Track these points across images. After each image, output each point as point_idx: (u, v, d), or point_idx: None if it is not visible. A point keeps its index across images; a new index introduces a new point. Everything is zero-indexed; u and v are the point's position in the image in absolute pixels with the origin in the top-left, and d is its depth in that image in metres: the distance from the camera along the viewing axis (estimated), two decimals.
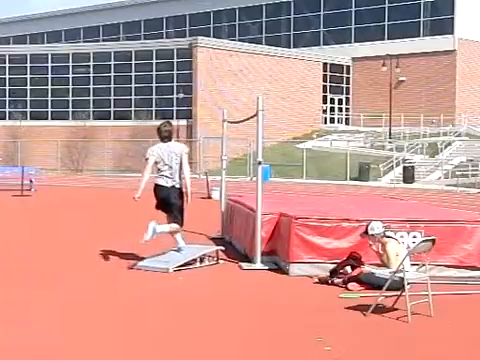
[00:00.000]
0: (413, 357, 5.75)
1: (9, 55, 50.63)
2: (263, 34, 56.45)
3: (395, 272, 7.18)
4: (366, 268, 8.59)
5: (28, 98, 49.99)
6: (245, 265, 9.86)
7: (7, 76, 50.13)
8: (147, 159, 9.92)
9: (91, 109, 48.72)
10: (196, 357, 5.69)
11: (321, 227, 9.19)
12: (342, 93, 54.45)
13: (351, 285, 8.34)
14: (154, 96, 47.97)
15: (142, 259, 10.01)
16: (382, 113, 48.57)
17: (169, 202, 9.83)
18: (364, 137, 47.38)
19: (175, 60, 47.42)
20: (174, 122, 39.61)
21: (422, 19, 50.78)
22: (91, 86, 49.25)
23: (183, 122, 45.22)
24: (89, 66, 49.28)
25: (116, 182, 34.25)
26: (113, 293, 8.06)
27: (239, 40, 53.49)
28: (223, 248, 10.65)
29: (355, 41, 53.35)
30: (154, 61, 47.94)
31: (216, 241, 12.33)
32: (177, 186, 9.83)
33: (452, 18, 49.69)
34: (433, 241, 7.17)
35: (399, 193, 26.00)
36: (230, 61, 47.72)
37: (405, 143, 41.55)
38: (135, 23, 61.91)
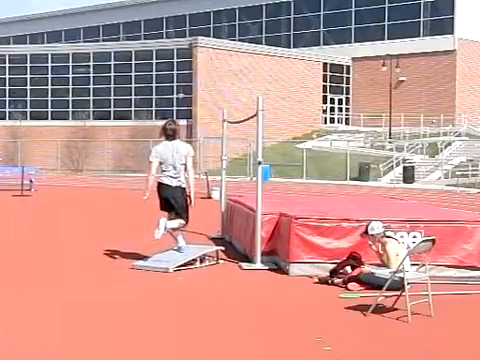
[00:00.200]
0: (413, 357, 5.76)
1: (9, 55, 50.63)
2: (263, 34, 56.45)
3: (395, 272, 7.18)
4: (366, 268, 8.59)
5: (28, 98, 49.99)
6: (245, 265, 9.86)
7: (7, 76, 50.13)
8: (151, 162, 9.89)
9: (91, 109, 48.72)
10: (196, 357, 5.69)
11: (321, 227, 9.20)
12: (342, 93, 54.45)
13: (351, 285, 8.34)
14: (154, 96, 47.98)
15: (142, 259, 10.01)
16: (382, 113, 48.58)
17: (174, 201, 9.80)
18: (364, 137, 47.38)
19: (175, 60, 47.42)
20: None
21: (422, 19, 50.78)
22: (91, 86, 49.25)
23: (183, 122, 45.18)
24: (89, 66, 49.28)
25: (116, 182, 34.25)
26: (113, 293, 8.06)
27: (239, 40, 53.49)
28: (223, 248, 10.65)
29: (355, 41, 53.35)
30: (154, 61, 47.94)
31: (216, 241, 12.33)
32: (182, 186, 9.84)
33: (452, 18, 49.69)
34: (433, 241, 7.17)
35: (399, 193, 26.00)
36: (230, 61, 47.72)
37: (405, 143, 41.56)
38: (135, 23, 61.91)
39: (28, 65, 50.07)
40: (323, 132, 50.10)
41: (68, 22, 64.68)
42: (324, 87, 53.18)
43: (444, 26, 49.70)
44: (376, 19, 52.09)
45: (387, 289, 7.11)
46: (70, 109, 49.24)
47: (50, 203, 22.03)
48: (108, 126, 47.00)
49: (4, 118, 49.58)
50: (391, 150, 41.58)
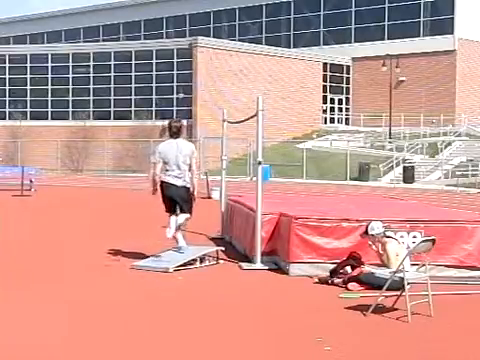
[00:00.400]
0: (413, 357, 5.76)
1: (9, 55, 50.63)
2: (263, 34, 56.45)
3: (395, 272, 7.18)
4: (366, 268, 8.59)
5: (28, 98, 50.00)
6: (245, 265, 9.86)
7: (7, 76, 50.14)
8: (155, 163, 9.90)
9: (91, 109, 48.73)
10: (196, 357, 5.69)
11: (321, 227, 9.19)
12: (342, 93, 54.45)
13: (351, 285, 8.34)
14: (154, 96, 47.98)
15: (142, 259, 10.01)
16: (382, 113, 48.58)
17: (179, 198, 9.86)
18: (364, 137, 47.38)
19: (175, 60, 47.42)
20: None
21: (422, 19, 50.78)
22: (91, 86, 49.25)
23: (183, 122, 45.23)
24: (89, 66, 49.28)
25: (116, 182, 34.26)
26: (113, 293, 8.06)
27: (239, 40, 53.50)
28: (223, 248, 10.66)
29: (355, 41, 53.35)
30: (154, 61, 47.95)
31: (216, 241, 12.33)
32: (187, 186, 9.88)
33: (452, 18, 49.69)
34: (433, 241, 7.17)
35: (399, 193, 26.01)
36: (230, 61, 47.72)
37: (405, 143, 41.56)
38: (135, 23, 61.91)
39: (28, 65, 50.08)
40: (323, 132, 50.10)
41: (68, 22, 64.69)
42: (324, 87, 53.18)
43: (444, 26, 49.70)
44: (376, 19, 52.09)
45: (387, 289, 7.11)
46: (70, 109, 49.25)
47: (50, 203, 22.03)
48: (108, 126, 47.00)
49: (4, 118, 49.58)
50: (391, 150, 41.59)
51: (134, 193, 27.71)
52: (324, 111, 53.41)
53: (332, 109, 54.10)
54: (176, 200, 9.87)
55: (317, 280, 8.79)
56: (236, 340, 6.17)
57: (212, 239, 12.67)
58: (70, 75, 49.41)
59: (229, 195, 13.61)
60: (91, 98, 49.22)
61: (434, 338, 6.35)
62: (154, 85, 47.96)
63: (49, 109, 49.82)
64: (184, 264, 9.55)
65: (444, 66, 49.84)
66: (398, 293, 7.21)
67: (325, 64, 53.01)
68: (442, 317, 7.02)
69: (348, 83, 54.53)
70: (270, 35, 55.89)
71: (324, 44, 54.44)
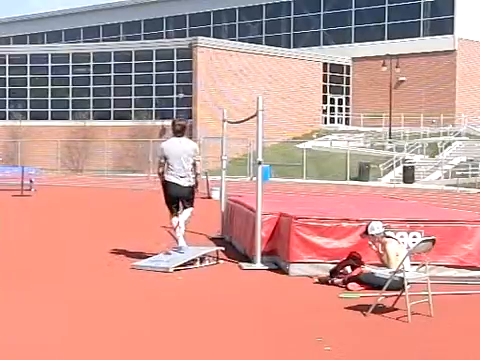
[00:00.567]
0: (413, 357, 5.76)
1: (9, 55, 50.63)
2: (263, 34, 56.45)
3: (395, 272, 7.18)
4: (366, 268, 8.59)
5: (28, 98, 49.99)
6: (245, 265, 9.86)
7: (7, 76, 50.13)
8: (162, 163, 9.97)
9: (91, 109, 48.72)
10: (196, 357, 5.69)
11: (321, 227, 9.19)
12: (342, 93, 54.45)
13: (351, 285, 8.34)
14: (154, 96, 47.97)
15: (142, 259, 10.01)
16: (382, 113, 48.57)
17: (184, 197, 9.97)
18: (364, 137, 47.38)
19: (175, 60, 47.42)
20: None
21: (422, 19, 50.78)
22: (91, 86, 49.25)
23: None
24: (89, 66, 49.28)
25: (116, 182, 34.26)
26: (113, 293, 8.06)
27: (239, 40, 53.49)
28: (223, 248, 10.66)
29: (355, 41, 53.35)
30: (154, 61, 47.94)
31: (216, 241, 12.33)
32: (191, 185, 9.99)
33: (452, 18, 49.68)
34: (433, 241, 7.17)
35: (399, 193, 26.01)
36: (230, 61, 47.72)
37: (405, 143, 41.55)
38: (135, 23, 61.91)
39: (28, 65, 50.07)
40: (323, 132, 50.10)
41: (68, 22, 64.69)
42: (324, 87, 53.17)
43: (444, 26, 49.70)
44: (376, 19, 52.08)
45: (387, 289, 7.11)
46: (70, 109, 49.24)
47: (50, 203, 22.03)
48: (108, 126, 47.00)
49: (4, 118, 49.58)
50: (391, 150, 41.58)
51: (134, 193, 27.71)
52: (324, 111, 53.40)
53: (332, 109, 54.10)
54: (180, 199, 9.95)
55: (317, 280, 8.79)
56: (236, 340, 6.17)
57: (212, 239, 12.66)
58: (70, 75, 49.41)
59: (229, 195, 13.61)
60: (91, 98, 49.21)
61: (434, 338, 6.35)
62: (154, 85, 47.96)
63: (49, 109, 49.81)
64: (184, 264, 9.55)
65: (444, 66, 49.84)
66: (398, 293, 7.21)
67: (325, 64, 53.00)
68: (442, 317, 7.02)
69: (348, 83, 54.52)
70: (270, 35, 55.89)
71: (324, 44, 54.44)
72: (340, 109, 54.56)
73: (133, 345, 5.92)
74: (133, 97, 48.40)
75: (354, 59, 53.58)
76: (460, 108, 49.90)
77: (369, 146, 44.67)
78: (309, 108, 51.50)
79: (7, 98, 50.14)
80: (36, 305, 7.36)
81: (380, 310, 7.12)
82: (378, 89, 50.95)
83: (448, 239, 9.05)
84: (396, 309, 7.15)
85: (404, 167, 36.27)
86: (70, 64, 49.43)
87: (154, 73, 47.87)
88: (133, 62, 48.37)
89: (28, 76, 49.99)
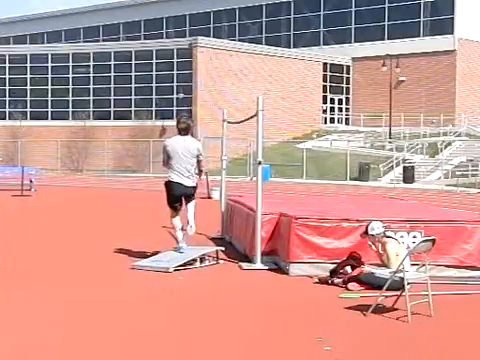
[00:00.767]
0: (413, 357, 5.75)
1: (9, 55, 50.63)
2: (263, 34, 56.45)
3: (395, 272, 7.18)
4: (366, 268, 8.59)
5: (28, 98, 50.00)
6: (245, 265, 9.86)
7: (7, 76, 50.13)
8: (167, 160, 9.97)
9: (91, 109, 48.72)
10: (196, 357, 5.69)
11: (321, 227, 9.19)
12: (342, 93, 54.45)
13: (351, 285, 8.34)
14: (154, 96, 47.97)
15: (143, 259, 10.01)
16: (382, 113, 48.58)
17: (187, 196, 10.01)
18: (364, 137, 47.38)
19: (175, 60, 47.42)
20: (174, 122, 39.54)
21: (422, 19, 50.78)
22: (91, 86, 49.25)
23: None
24: (89, 66, 49.28)
25: (116, 182, 34.25)
26: (113, 293, 8.06)
27: (239, 40, 53.49)
28: (223, 248, 10.66)
29: (355, 41, 53.35)
30: (154, 61, 47.94)
31: (216, 241, 12.33)
32: (195, 185, 10.04)
33: (452, 18, 49.69)
34: (433, 241, 7.17)
35: (399, 193, 26.01)
36: (230, 61, 47.72)
37: (405, 143, 41.56)
38: (135, 23, 61.92)
39: (28, 65, 50.08)
40: (323, 132, 50.10)
41: (68, 22, 64.70)
42: (324, 87, 53.18)
43: (444, 26, 49.70)
44: (376, 19, 52.09)
45: (387, 289, 7.11)
46: (70, 109, 49.24)
47: (50, 203, 22.03)
48: (108, 126, 47.01)
49: (4, 118, 49.59)
50: (391, 150, 41.58)
51: (134, 193, 27.71)
52: (324, 111, 53.41)
53: (332, 109, 54.10)
54: (184, 197, 10.00)
55: (317, 280, 8.79)
56: (236, 340, 6.17)
57: (212, 239, 12.66)
58: (70, 75, 49.41)
59: (229, 195, 13.61)
60: (91, 98, 49.21)
61: (434, 338, 6.35)
62: (154, 85, 47.96)
63: (49, 109, 49.81)
64: (184, 264, 9.55)
65: (444, 66, 49.84)
66: (398, 293, 7.20)
67: (325, 64, 53.01)
68: (442, 317, 7.02)
69: (348, 83, 54.52)
70: (270, 35, 55.89)
71: (324, 44, 54.44)
72: (340, 109, 54.56)
73: (133, 345, 5.92)
74: (133, 97, 48.40)
75: (354, 59, 53.58)
76: (460, 108, 49.90)
77: (369, 146, 44.68)
78: (309, 108, 51.50)
79: (7, 98, 50.14)
80: (36, 305, 7.36)
81: (380, 310, 7.12)
82: (378, 89, 50.95)
83: (448, 239, 9.05)
84: (396, 309, 7.15)
85: (404, 167, 36.27)
86: (70, 64, 49.43)
87: (154, 73, 47.88)
88: (133, 62, 48.37)
89: (28, 76, 50.00)
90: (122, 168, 43.50)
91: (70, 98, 49.37)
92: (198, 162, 10.03)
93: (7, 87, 50.15)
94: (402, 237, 9.07)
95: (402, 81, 50.31)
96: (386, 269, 7.94)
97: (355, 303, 7.52)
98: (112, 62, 48.83)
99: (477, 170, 34.48)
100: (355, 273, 8.52)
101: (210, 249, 10.48)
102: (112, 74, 48.77)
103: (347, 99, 54.73)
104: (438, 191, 30.21)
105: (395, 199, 16.16)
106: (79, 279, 8.84)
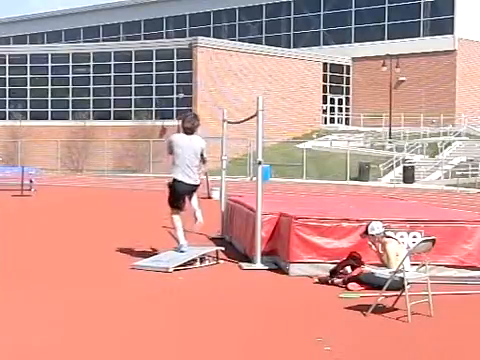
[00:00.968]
0: (413, 357, 5.75)
1: (9, 55, 50.65)
2: (263, 34, 56.46)
3: (395, 272, 7.18)
4: (366, 268, 8.59)
5: (28, 98, 50.01)
6: (245, 265, 9.86)
7: (7, 76, 50.15)
8: (172, 155, 9.99)
9: (91, 109, 48.74)
10: (196, 357, 5.69)
11: (321, 227, 9.19)
12: (342, 93, 54.46)
13: (351, 285, 8.33)
14: (154, 96, 47.98)
15: (143, 259, 10.01)
16: (382, 113, 48.59)
17: (190, 193, 10.09)
18: (364, 137, 47.39)
19: (175, 60, 47.43)
20: (174, 122, 39.61)
21: (422, 19, 50.79)
22: (91, 86, 49.26)
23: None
24: (89, 66, 49.30)
25: (116, 182, 34.25)
26: (113, 293, 8.06)
27: (239, 40, 53.50)
28: (223, 248, 10.65)
29: (355, 41, 53.36)
30: (154, 61, 47.95)
31: (216, 241, 12.33)
32: (198, 183, 10.13)
33: (452, 18, 49.70)
34: (433, 241, 7.17)
35: (399, 193, 26.01)
36: (230, 61, 47.73)
37: (405, 143, 41.56)
38: (135, 23, 61.93)
39: (28, 65, 50.09)
40: (323, 132, 50.12)
41: (68, 22, 64.71)
42: (324, 87, 53.19)
43: (444, 26, 49.71)
44: (376, 19, 52.10)
45: (387, 289, 7.11)
46: (70, 109, 49.26)
47: (50, 203, 22.02)
48: (108, 126, 47.02)
49: (4, 118, 49.60)
50: (391, 150, 41.59)
51: (134, 193, 27.71)
52: (324, 111, 53.42)
53: (332, 109, 54.11)
54: (188, 195, 10.07)
55: (317, 280, 8.79)
56: (236, 340, 6.17)
57: (212, 239, 12.66)
58: (70, 75, 49.43)
59: (229, 195, 13.61)
60: (91, 98, 49.22)
61: (434, 338, 6.35)
62: (154, 85, 47.97)
63: (49, 109, 49.83)
64: (184, 264, 9.54)
65: (444, 66, 49.85)
66: (398, 293, 7.20)
67: (325, 64, 53.02)
68: (442, 317, 7.02)
69: (348, 83, 54.54)
70: (270, 35, 55.90)
71: (324, 44, 54.45)
72: (340, 109, 54.57)
73: (133, 345, 5.92)
74: (133, 97, 48.42)
75: (354, 59, 53.59)
76: (460, 108, 49.91)
77: (369, 146, 44.68)
78: (309, 108, 51.51)
79: (7, 98, 50.16)
80: (36, 305, 7.35)
81: (380, 310, 7.12)
82: (378, 89, 50.96)
83: (448, 239, 9.05)
84: (396, 309, 7.15)
85: (404, 167, 36.27)
86: (70, 64, 49.45)
87: (154, 73, 47.89)
88: (133, 62, 48.38)
89: (28, 76, 50.01)
90: (122, 168, 43.51)
91: (70, 98, 49.38)
92: (202, 157, 10.07)
93: (7, 87, 50.17)
94: (402, 237, 9.07)
95: (402, 81, 50.32)
96: (386, 269, 7.94)
97: (355, 303, 7.52)
98: (112, 62, 48.84)
99: (477, 170, 34.48)
100: (355, 273, 8.52)
101: (210, 249, 10.47)
102: (112, 74, 48.78)
103: (347, 99, 54.74)
104: (438, 191, 30.21)
105: (395, 199, 16.16)
106: (79, 279, 8.84)
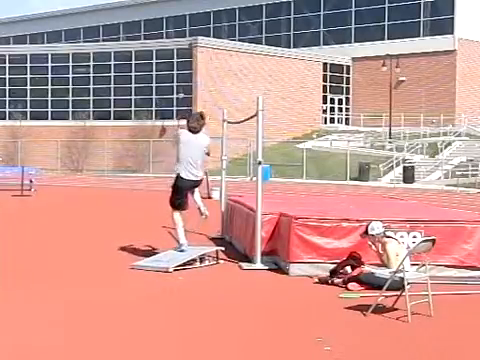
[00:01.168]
0: (413, 357, 5.75)
1: (9, 55, 50.64)
2: (263, 34, 56.45)
3: (395, 272, 7.18)
4: (366, 268, 8.59)
5: (28, 98, 50.00)
6: (245, 265, 9.86)
7: (7, 76, 50.14)
8: (178, 143, 10.11)
9: (91, 109, 48.73)
10: (196, 357, 5.69)
11: (321, 227, 9.19)
12: (342, 93, 54.45)
13: (351, 285, 8.34)
14: (154, 96, 47.98)
15: (142, 259, 10.01)
16: (382, 113, 48.58)
17: (193, 188, 10.26)
18: (364, 137, 47.38)
19: (175, 60, 47.42)
20: (174, 122, 39.52)
21: (422, 19, 50.78)
22: (91, 86, 49.26)
23: (183, 122, 45.15)
24: (89, 66, 49.30)
25: (116, 182, 34.25)
26: (113, 293, 8.06)
27: (239, 40, 53.50)
28: (223, 248, 10.65)
29: (355, 41, 53.36)
30: (154, 61, 47.95)
31: (216, 241, 12.33)
32: (200, 178, 10.24)
33: (452, 18, 49.69)
34: (433, 241, 7.17)
35: (399, 193, 26.01)
36: (230, 61, 47.73)
37: (405, 143, 41.55)
38: (135, 23, 61.92)
39: (28, 65, 50.08)
40: (323, 132, 50.10)
41: (68, 22, 64.70)
42: (324, 87, 53.18)
43: (444, 26, 49.70)
44: (376, 19, 52.09)
45: (387, 289, 7.11)
46: (70, 109, 49.25)
47: (50, 203, 22.03)
48: (108, 126, 47.01)
49: (4, 118, 49.60)
50: (391, 150, 41.58)
51: (134, 193, 27.71)
52: (324, 111, 53.41)
53: (332, 109, 54.11)
54: (188, 190, 10.19)
55: (317, 280, 8.79)
56: (236, 340, 6.17)
57: (212, 239, 12.66)
58: (70, 75, 49.42)
59: (229, 195, 13.62)
60: (91, 98, 49.22)
61: (434, 338, 6.35)
62: (154, 85, 47.97)
63: (49, 109, 49.82)
64: (184, 264, 9.55)
65: (444, 66, 49.84)
66: (398, 293, 7.20)
67: (325, 64, 53.01)
68: (442, 317, 7.02)
69: (348, 83, 54.53)
70: (270, 35, 55.89)
71: (324, 44, 54.44)
72: (340, 109, 54.57)
73: (133, 345, 5.92)
74: (133, 97, 48.41)
75: (354, 59, 53.59)
76: (460, 108, 49.90)
77: (369, 146, 44.67)
78: (309, 108, 51.51)
79: (7, 98, 50.15)
80: (36, 305, 7.35)
81: (380, 310, 7.12)
82: (378, 89, 50.95)
83: (448, 239, 9.05)
84: (396, 309, 7.15)
85: (404, 167, 36.27)
86: (70, 64, 49.45)
87: (154, 73, 47.88)
88: (133, 62, 48.38)
89: (28, 76, 50.00)
90: (122, 168, 43.50)
91: (70, 98, 49.38)
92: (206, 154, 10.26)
93: (7, 87, 50.16)
94: (402, 237, 9.07)
95: (402, 81, 50.31)
96: (386, 269, 7.94)
97: (355, 303, 7.52)
98: (112, 62, 48.83)
99: (477, 170, 34.48)
100: (355, 273, 8.52)
101: (210, 249, 10.48)
102: (112, 74, 48.78)
103: (347, 99, 54.73)
104: (438, 191, 30.21)
105: (395, 199, 16.16)
106: (79, 279, 8.84)
